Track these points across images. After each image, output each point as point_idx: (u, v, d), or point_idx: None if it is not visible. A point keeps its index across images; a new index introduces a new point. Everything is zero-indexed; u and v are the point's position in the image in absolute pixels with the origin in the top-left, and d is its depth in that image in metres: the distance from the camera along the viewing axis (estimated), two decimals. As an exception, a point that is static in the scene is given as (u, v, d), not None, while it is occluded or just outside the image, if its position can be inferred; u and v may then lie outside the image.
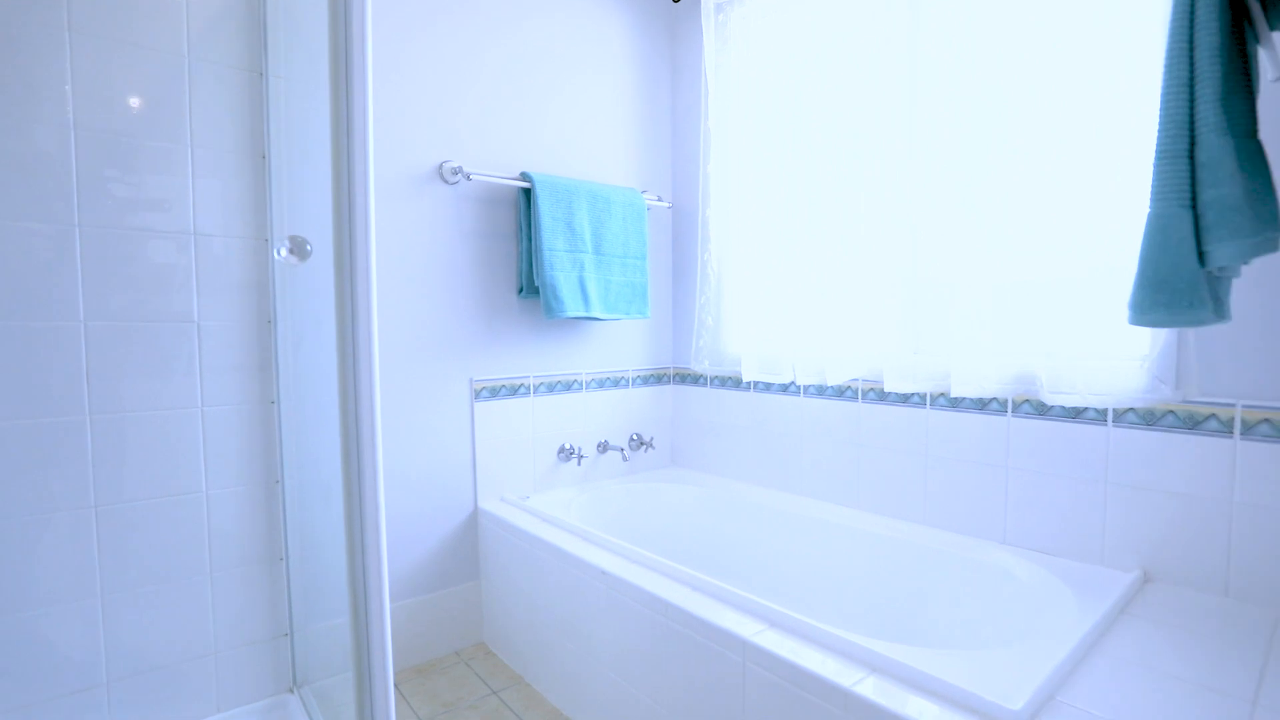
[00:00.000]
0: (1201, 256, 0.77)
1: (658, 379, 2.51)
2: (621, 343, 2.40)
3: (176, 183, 1.47)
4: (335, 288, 1.00)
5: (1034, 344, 1.50)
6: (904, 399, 1.80)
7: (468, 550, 2.04)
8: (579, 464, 2.25)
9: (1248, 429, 1.30)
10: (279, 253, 1.30)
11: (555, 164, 2.15)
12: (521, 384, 2.13)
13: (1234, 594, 1.33)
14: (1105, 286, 1.41)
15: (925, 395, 1.76)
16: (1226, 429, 1.32)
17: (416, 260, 1.89)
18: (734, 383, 2.30)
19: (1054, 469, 1.54)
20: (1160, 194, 0.78)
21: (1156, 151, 0.79)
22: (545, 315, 1.99)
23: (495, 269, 2.05)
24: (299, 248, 1.22)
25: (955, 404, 1.70)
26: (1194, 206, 0.77)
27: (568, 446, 2.23)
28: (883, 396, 1.86)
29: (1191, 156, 0.76)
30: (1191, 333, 1.33)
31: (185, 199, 1.48)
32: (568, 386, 2.24)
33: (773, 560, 2.00)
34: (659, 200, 2.37)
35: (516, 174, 2.03)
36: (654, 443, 2.48)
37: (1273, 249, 0.75)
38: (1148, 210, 0.80)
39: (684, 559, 1.80)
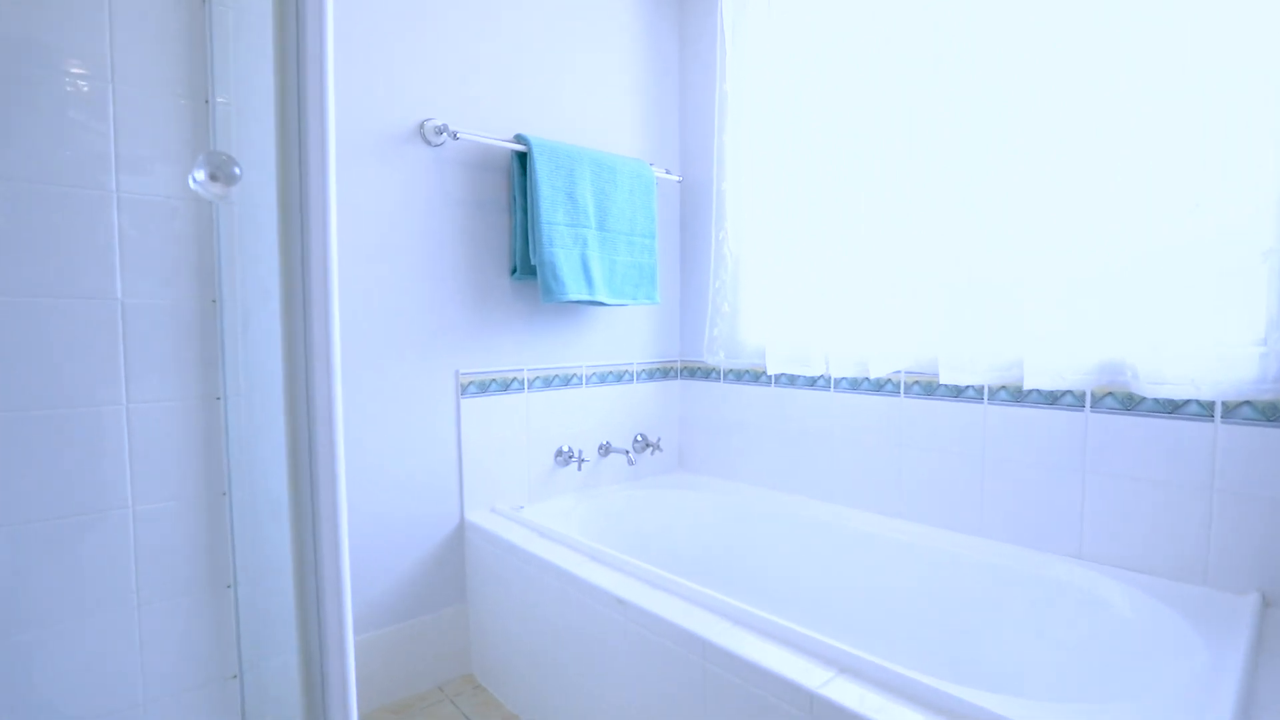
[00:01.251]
0: None
1: (664, 373, 2.27)
2: (625, 332, 2.15)
3: (94, 125, 1.18)
4: (281, 257, 0.76)
5: (1125, 327, 1.29)
6: (956, 393, 1.58)
7: (453, 569, 1.78)
8: (579, 469, 1.99)
9: (1397, 424, 1.09)
10: (194, 178, 1.01)
11: (552, 129, 1.90)
12: (514, 378, 1.87)
13: (1376, 620, 1.12)
14: (1212, 259, 1.20)
15: (983, 388, 1.54)
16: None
17: (392, 232, 1.62)
18: (751, 377, 2.06)
19: (1144, 472, 1.32)
20: None
21: None
22: (543, 298, 1.74)
23: (485, 245, 1.79)
24: (221, 170, 0.94)
25: (1019, 398, 1.48)
26: None
27: (566, 449, 1.98)
28: (929, 390, 1.63)
29: None
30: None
31: (104, 147, 1.19)
32: (566, 381, 1.98)
33: (806, 579, 1.76)
34: (667, 173, 2.13)
35: (510, 136, 1.77)
36: (661, 444, 2.23)
37: None
38: None
39: (703, 579, 1.56)
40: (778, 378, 1.98)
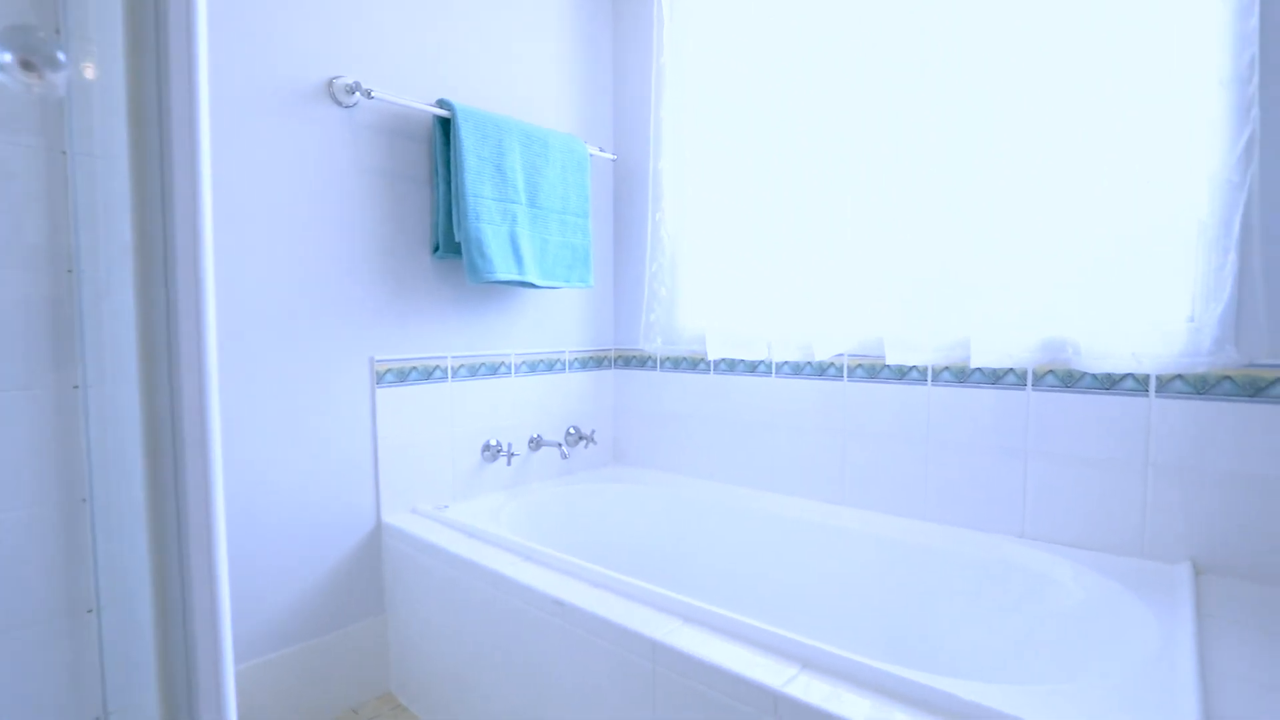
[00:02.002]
0: None
1: (598, 362, 2.16)
2: (557, 318, 2.03)
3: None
4: (134, 214, 0.61)
5: (1068, 305, 1.29)
6: (900, 375, 1.56)
7: (368, 578, 1.60)
8: (509, 464, 1.86)
9: (1318, 394, 1.13)
10: None
11: (479, 97, 1.75)
12: (437, 366, 1.71)
13: (1299, 585, 1.16)
14: (1148, 240, 1.22)
15: (926, 370, 1.52)
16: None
17: (295, 199, 1.43)
18: (689, 364, 1.99)
19: (1083, 449, 1.33)
20: None
21: None
22: (469, 278, 1.59)
23: (404, 220, 1.63)
24: (37, 51, 0.75)
25: (963, 378, 1.47)
26: None
27: (494, 443, 1.84)
28: (873, 373, 1.60)
29: None
30: (1262, 284, 1.15)
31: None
32: (494, 370, 1.84)
33: (751, 572, 1.70)
34: (601, 151, 2.02)
35: (432, 101, 1.62)
36: (595, 437, 2.13)
37: None
38: None
39: (645, 576, 1.46)
40: (717, 364, 1.91)
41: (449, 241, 1.64)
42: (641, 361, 2.12)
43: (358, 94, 1.47)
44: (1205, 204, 1.17)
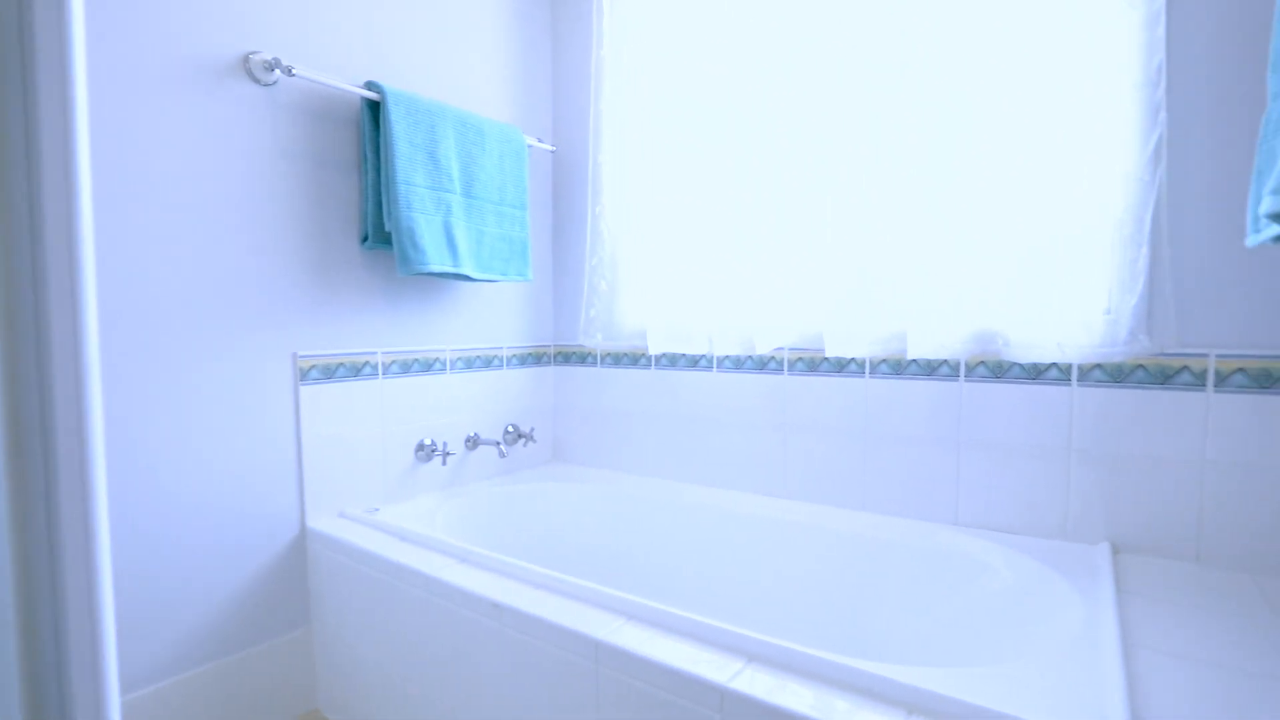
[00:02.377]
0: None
1: (537, 358, 2.11)
2: (494, 313, 1.97)
3: None
4: None
5: (998, 298, 1.33)
6: (839, 368, 1.58)
7: (292, 587, 1.51)
8: (444, 463, 1.78)
9: (1221, 380, 1.20)
10: None
11: (411, 82, 1.68)
12: (367, 362, 1.63)
13: (1205, 560, 1.23)
14: (1073, 237, 1.27)
15: (864, 363, 1.54)
16: (1199, 382, 1.22)
17: (208, 184, 1.33)
18: (631, 360, 1.96)
19: (1012, 437, 1.38)
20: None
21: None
22: (400, 269, 1.52)
23: (331, 208, 1.54)
24: None
25: (900, 370, 1.50)
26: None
27: (429, 442, 1.76)
28: (813, 367, 1.62)
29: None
30: (1170, 278, 1.21)
31: None
32: (427, 366, 1.77)
33: (696, 569, 1.68)
34: (540, 142, 1.97)
35: (361, 83, 1.54)
36: (535, 435, 2.07)
37: None
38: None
39: (588, 576, 1.43)
40: (658, 359, 1.90)
41: (379, 231, 1.56)
42: (582, 357, 2.08)
43: (277, 71, 1.38)
44: (1120, 202, 1.23)
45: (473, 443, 1.89)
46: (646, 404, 1.93)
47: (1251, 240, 0.86)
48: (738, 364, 1.75)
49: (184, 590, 1.33)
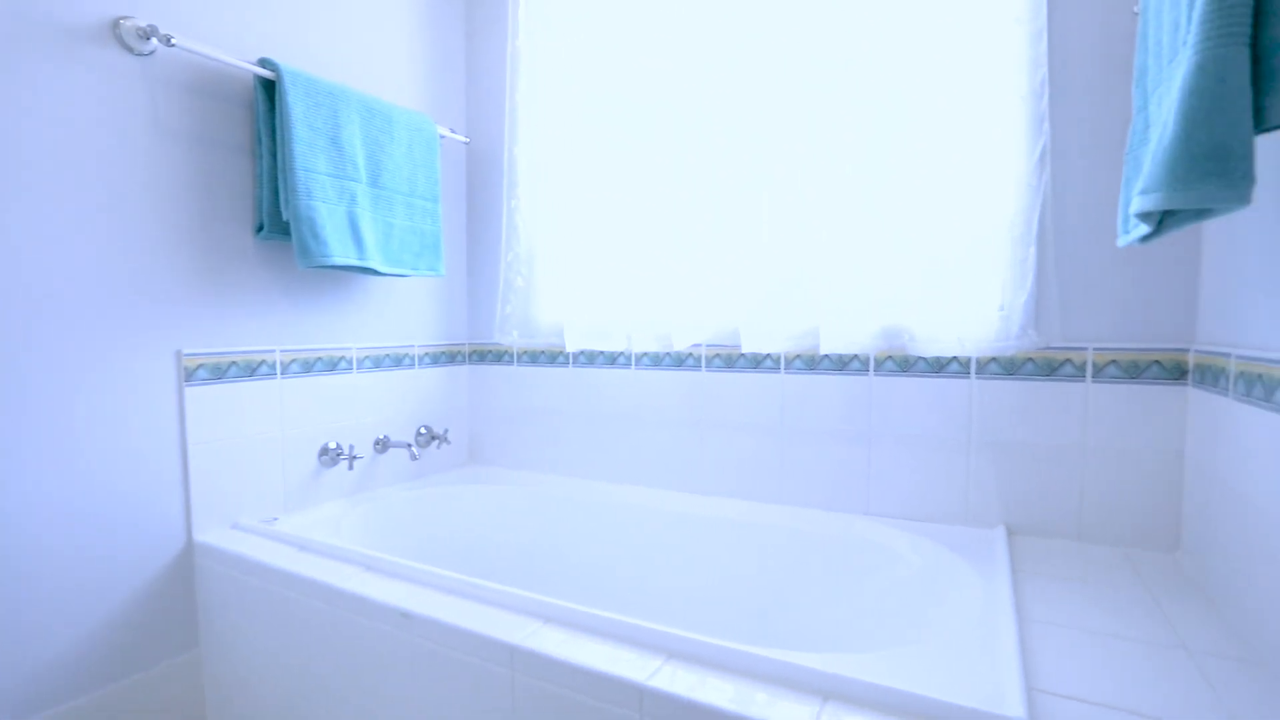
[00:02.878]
0: (1256, 115, 0.62)
1: (451, 357, 2.03)
2: (405, 309, 1.88)
3: None
4: None
5: (904, 295, 1.39)
6: (755, 364, 1.60)
7: (178, 608, 1.38)
8: (350, 468, 1.69)
9: (1098, 371, 1.30)
10: None
11: (311, 62, 1.58)
12: (264, 360, 1.51)
13: (1085, 538, 1.32)
14: (971, 237, 1.34)
15: (779, 359, 1.58)
16: (1080, 373, 1.31)
17: (69, 167, 1.20)
18: (548, 358, 1.93)
19: (917, 428, 1.44)
20: (1214, 33, 0.61)
21: (1205, -23, 0.62)
22: (300, 261, 1.42)
23: (220, 194, 1.42)
24: None
25: (813, 365, 1.54)
26: (1252, 48, 0.61)
27: (334, 446, 1.66)
28: (730, 363, 1.64)
29: (1253, -19, 0.60)
30: (1054, 276, 1.30)
31: None
32: (332, 366, 1.67)
33: (619, 568, 1.67)
34: (452, 133, 1.90)
35: (254, 59, 1.43)
36: (449, 436, 2.00)
37: (1316, 113, 0.62)
38: (1191, 59, 0.63)
39: (508, 580, 1.39)
40: (576, 357, 1.87)
41: (275, 221, 1.45)
42: (498, 356, 2.03)
43: (154, 40, 1.25)
44: (1011, 205, 1.31)
45: (382, 445, 1.80)
46: (565, 403, 1.90)
47: (1122, 241, 0.93)
48: (656, 361, 1.74)
49: (49, 615, 1.19)
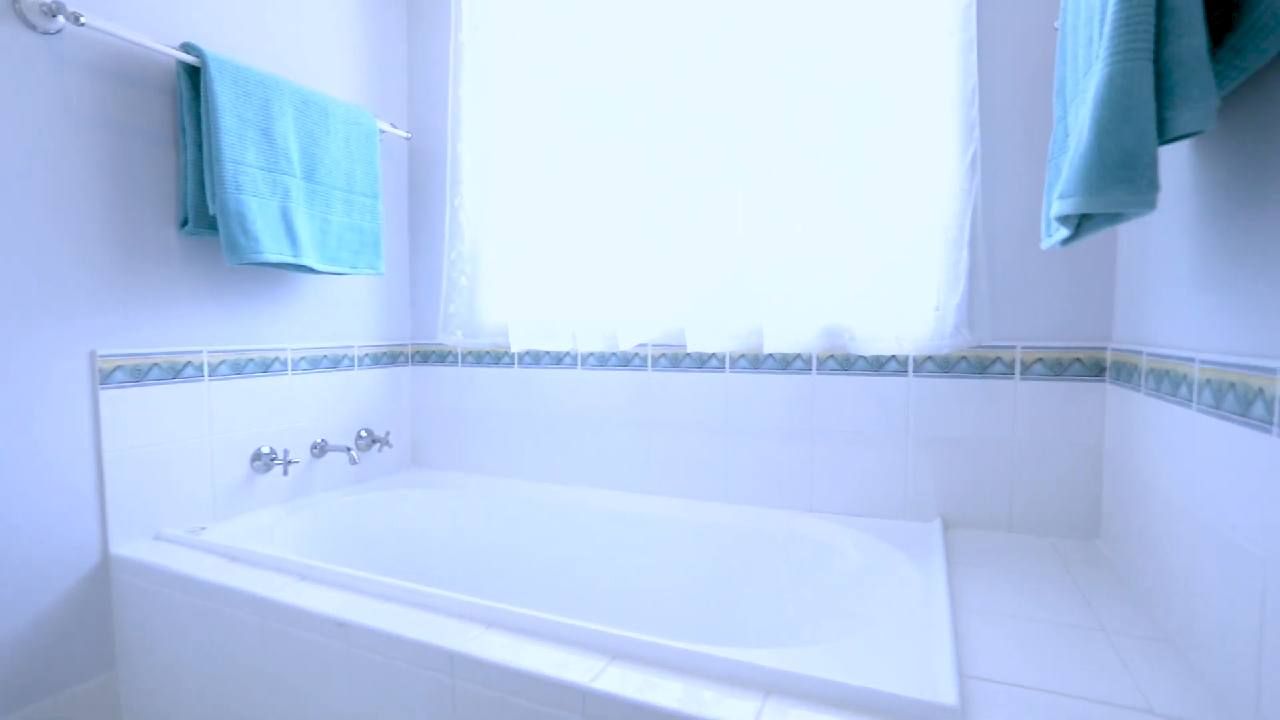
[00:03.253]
0: (1160, 125, 0.65)
1: (393, 358, 1.98)
2: (344, 309, 1.82)
3: None
4: None
5: (845, 296, 1.42)
6: (701, 363, 1.61)
7: (92, 626, 1.30)
8: (285, 473, 1.62)
9: (1026, 369, 1.36)
10: None
11: (241, 50, 1.51)
12: (189, 362, 1.44)
13: (1015, 529, 1.38)
14: (909, 239, 1.38)
15: (725, 358, 1.59)
16: (1009, 371, 1.37)
17: (-29, 150, 1.11)
18: (493, 358, 1.89)
19: (858, 426, 1.48)
20: (1121, 48, 0.65)
21: (1116, -5, 0.65)
22: (228, 258, 1.36)
23: (140, 186, 1.34)
24: None
25: (758, 364, 1.56)
26: (1156, 63, 0.64)
27: (267, 451, 1.59)
28: (676, 362, 1.64)
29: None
30: (985, 277, 1.35)
31: None
32: (265, 367, 1.60)
33: (566, 571, 1.65)
34: (393, 127, 1.85)
35: (176, 43, 1.35)
36: (390, 439, 1.94)
37: (1213, 121, 0.66)
38: (1101, 71, 0.67)
39: (452, 587, 1.36)
40: (521, 357, 1.84)
41: (201, 215, 1.38)
42: (441, 356, 1.98)
43: (61, 18, 1.17)
44: (946, 208, 1.36)
45: (320, 450, 1.74)
46: (510, 404, 1.87)
47: (1045, 244, 0.97)
48: (602, 361, 1.74)
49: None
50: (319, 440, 1.73)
